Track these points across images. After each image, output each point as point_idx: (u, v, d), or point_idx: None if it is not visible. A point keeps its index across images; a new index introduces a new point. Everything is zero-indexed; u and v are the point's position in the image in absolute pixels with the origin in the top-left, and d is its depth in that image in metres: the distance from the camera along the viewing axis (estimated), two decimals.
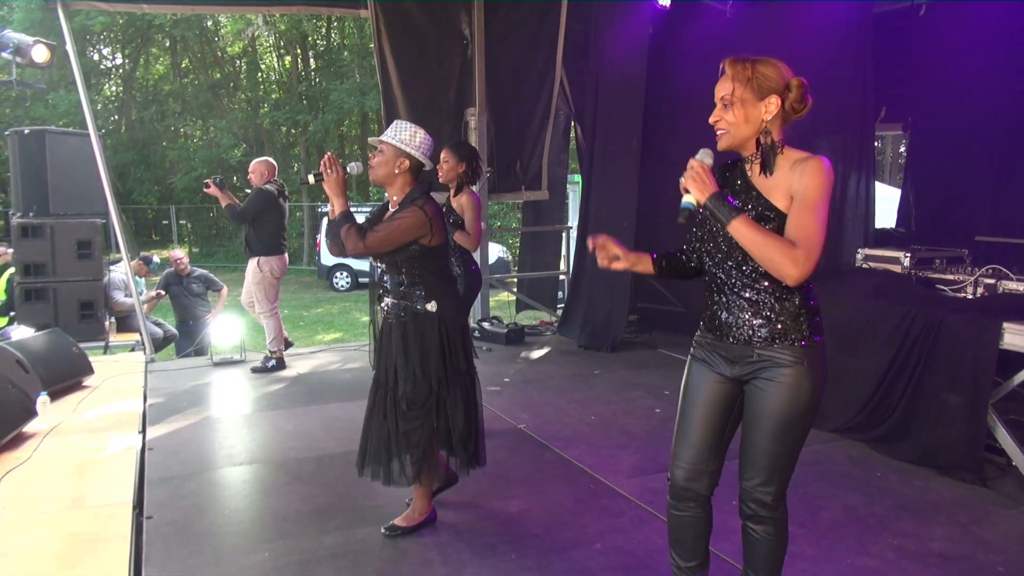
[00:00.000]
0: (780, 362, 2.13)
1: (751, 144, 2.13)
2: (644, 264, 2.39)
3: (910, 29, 6.50)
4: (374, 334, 3.37)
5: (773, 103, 2.06)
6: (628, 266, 2.36)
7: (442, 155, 4.29)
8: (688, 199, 2.11)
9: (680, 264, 2.40)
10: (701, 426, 2.27)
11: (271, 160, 6.28)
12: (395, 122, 3.15)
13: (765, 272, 2.09)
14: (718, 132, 2.14)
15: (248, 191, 6.31)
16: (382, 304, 3.17)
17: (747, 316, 2.15)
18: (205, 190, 6.13)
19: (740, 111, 2.07)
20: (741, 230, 2.02)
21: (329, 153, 3.08)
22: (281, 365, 6.17)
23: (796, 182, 2.03)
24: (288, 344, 6.50)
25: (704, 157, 2.13)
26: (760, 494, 2.22)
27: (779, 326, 2.13)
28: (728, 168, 2.26)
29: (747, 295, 2.15)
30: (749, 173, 2.15)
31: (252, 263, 6.08)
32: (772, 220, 2.07)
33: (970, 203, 6.36)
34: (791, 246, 1.99)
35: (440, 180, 4.29)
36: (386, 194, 3.19)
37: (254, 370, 6.07)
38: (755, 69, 2.06)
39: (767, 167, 2.10)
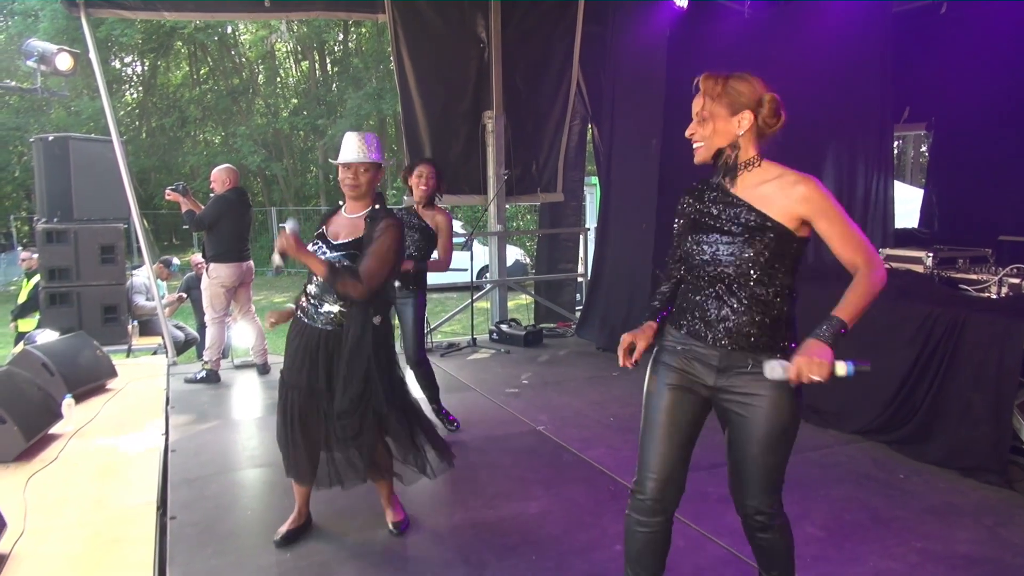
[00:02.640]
0: (760, 366, 2.10)
1: (731, 157, 2.16)
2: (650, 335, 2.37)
3: (932, 28, 6.45)
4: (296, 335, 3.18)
5: (746, 118, 2.09)
6: (649, 339, 2.34)
7: (423, 170, 4.37)
8: (840, 370, 1.97)
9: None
10: (670, 435, 2.23)
11: (232, 168, 6.19)
12: (354, 135, 3.07)
13: (757, 281, 2.11)
14: (694, 145, 2.18)
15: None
16: (321, 310, 3.04)
17: (745, 321, 2.13)
18: (167, 197, 6.07)
19: (712, 125, 2.12)
20: (852, 315, 2.02)
21: (277, 240, 2.98)
22: (213, 377, 5.93)
23: (803, 207, 2.05)
24: (266, 369, 6.19)
25: (780, 372, 2.02)
26: (763, 506, 2.25)
27: (770, 333, 2.14)
28: (699, 189, 2.27)
29: (741, 303, 2.13)
30: (730, 187, 2.17)
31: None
32: (768, 230, 2.08)
33: (994, 202, 6.29)
34: (865, 272, 2.03)
35: (419, 197, 4.37)
36: (342, 202, 3.18)
37: (187, 380, 5.91)
38: (727, 85, 2.10)
39: (729, 174, 2.15)
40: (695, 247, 2.21)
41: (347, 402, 2.96)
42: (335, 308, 3.02)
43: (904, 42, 6.12)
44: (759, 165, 2.13)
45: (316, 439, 3.09)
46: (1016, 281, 4.20)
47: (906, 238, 5.89)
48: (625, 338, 2.33)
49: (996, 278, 4.29)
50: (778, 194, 2.09)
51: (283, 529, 3.24)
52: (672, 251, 2.39)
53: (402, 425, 3.13)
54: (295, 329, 3.13)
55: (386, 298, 3.12)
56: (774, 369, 2.02)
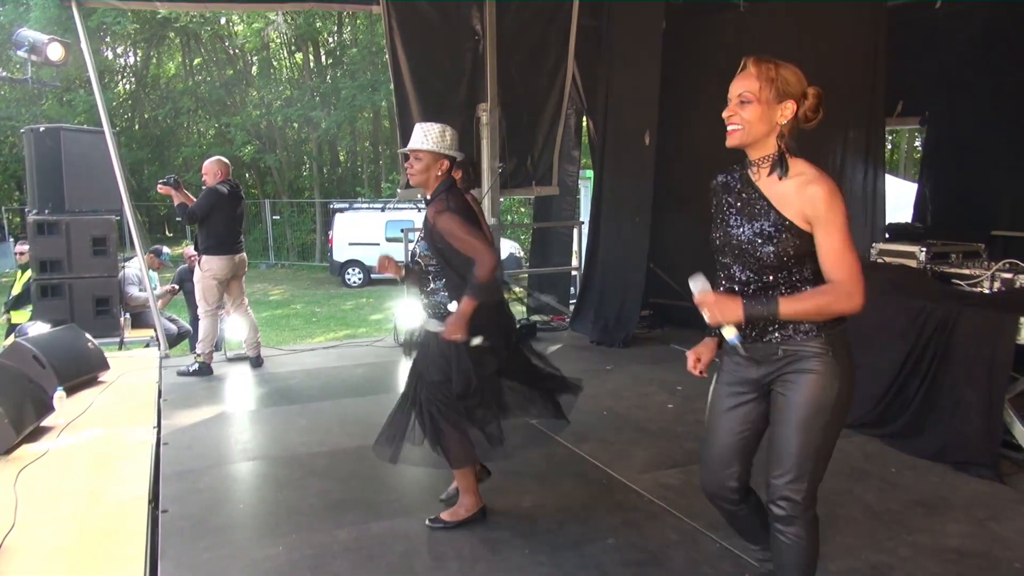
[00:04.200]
0: (804, 354, 2.12)
1: (761, 146, 2.11)
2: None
3: (927, 23, 6.44)
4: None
5: (789, 108, 2.05)
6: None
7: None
8: (728, 333, 2.09)
9: None
10: (722, 435, 2.29)
11: (224, 159, 6.13)
12: (421, 125, 3.17)
13: (786, 280, 2.10)
14: (730, 128, 2.10)
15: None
16: (435, 297, 3.18)
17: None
18: (159, 190, 6.03)
19: (758, 110, 2.05)
20: (791, 312, 2.04)
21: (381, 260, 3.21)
22: (205, 370, 5.90)
23: (809, 209, 2.03)
24: (259, 362, 6.24)
25: (700, 285, 2.09)
26: (790, 492, 2.15)
27: (795, 324, 2.11)
28: (727, 178, 2.25)
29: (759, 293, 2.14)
30: (755, 179, 2.14)
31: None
32: (784, 230, 2.06)
33: (987, 197, 6.31)
34: (836, 289, 2.01)
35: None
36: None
37: (180, 373, 5.89)
38: (779, 71, 2.05)
39: (780, 168, 2.08)
40: (718, 240, 2.23)
41: (460, 384, 3.05)
42: (426, 300, 3.18)
43: (899, 37, 6.12)
44: (791, 158, 2.10)
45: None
46: (1008, 276, 4.21)
47: (899, 232, 5.90)
48: (690, 356, 2.33)
49: (989, 273, 4.30)
50: (794, 194, 2.06)
51: (443, 516, 3.29)
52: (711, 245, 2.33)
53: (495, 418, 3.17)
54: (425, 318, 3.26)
55: (456, 283, 3.09)
56: (696, 279, 2.09)
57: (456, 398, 3.09)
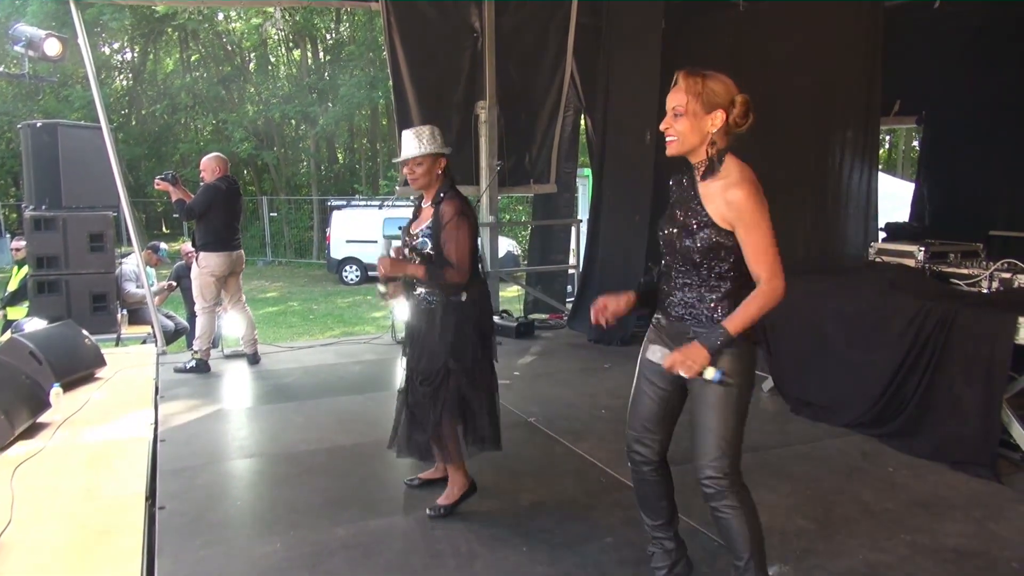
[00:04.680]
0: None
1: (698, 152, 2.30)
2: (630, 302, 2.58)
3: (925, 22, 6.44)
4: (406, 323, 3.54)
5: (719, 116, 2.23)
6: (628, 306, 2.56)
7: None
8: (708, 374, 2.25)
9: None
10: (645, 401, 2.52)
11: (222, 156, 6.12)
12: (409, 132, 3.29)
13: (696, 271, 2.34)
14: (667, 139, 2.30)
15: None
16: (415, 291, 3.32)
17: (683, 303, 2.39)
18: (156, 186, 6.00)
19: (689, 122, 2.24)
20: (739, 327, 2.23)
21: (379, 267, 3.28)
22: (202, 367, 5.88)
23: (729, 210, 2.23)
24: (256, 359, 6.22)
25: (660, 355, 2.38)
26: (712, 471, 2.34)
27: (706, 311, 2.35)
28: (678, 180, 2.47)
29: (687, 285, 2.38)
30: (697, 180, 2.34)
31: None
32: (709, 230, 2.27)
33: (985, 197, 6.33)
34: (763, 290, 2.21)
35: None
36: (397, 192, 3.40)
37: (177, 370, 5.86)
38: (705, 84, 2.22)
39: (711, 171, 2.28)
40: (662, 232, 2.45)
41: (424, 371, 3.23)
42: (421, 289, 3.30)
43: (897, 36, 6.12)
44: (720, 163, 2.27)
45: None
46: (1007, 276, 4.22)
47: (897, 231, 5.91)
48: (599, 300, 2.56)
49: (987, 272, 4.31)
50: (718, 194, 2.25)
51: (421, 476, 3.57)
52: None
53: (481, 402, 3.31)
54: (409, 315, 3.42)
55: (475, 274, 3.29)
56: (654, 352, 2.40)
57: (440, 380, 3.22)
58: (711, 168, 2.28)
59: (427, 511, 3.31)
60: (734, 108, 2.23)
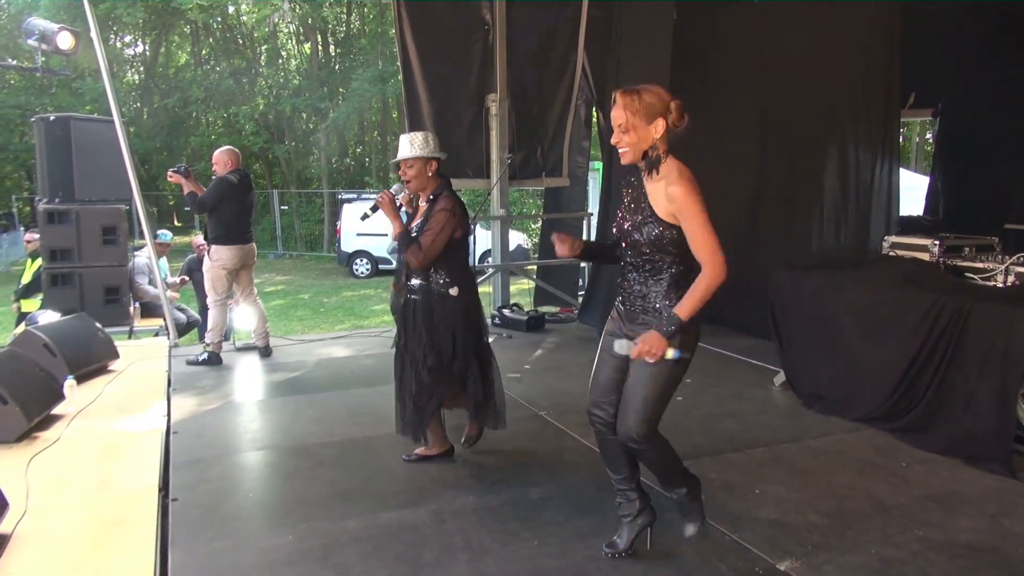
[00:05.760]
0: (650, 323, 2.60)
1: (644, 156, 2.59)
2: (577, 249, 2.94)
3: (940, 15, 6.37)
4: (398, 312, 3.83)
5: (660, 124, 2.52)
6: (574, 253, 2.93)
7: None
8: (670, 355, 2.52)
9: (607, 254, 2.95)
10: (605, 372, 2.81)
11: (234, 149, 6.15)
12: (404, 137, 3.61)
13: (646, 262, 2.63)
14: (621, 151, 2.59)
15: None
16: (409, 282, 3.62)
17: (637, 291, 2.69)
18: (169, 178, 6.00)
19: (635, 135, 2.53)
20: (689, 312, 2.49)
21: (379, 195, 3.58)
22: (215, 360, 5.88)
23: (669, 204, 2.50)
24: (267, 352, 6.22)
25: (626, 348, 2.61)
26: (633, 434, 2.64)
27: (654, 299, 2.64)
28: (628, 180, 2.75)
29: (637, 276, 2.68)
30: (644, 178, 2.63)
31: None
32: (653, 224, 2.56)
33: (1000, 190, 6.26)
34: (705, 276, 2.48)
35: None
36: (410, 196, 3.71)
37: (189, 362, 5.86)
38: (641, 99, 2.51)
39: (652, 169, 2.56)
40: (617, 228, 2.73)
41: (431, 360, 3.54)
42: (416, 280, 3.60)
43: (912, 28, 6.06)
44: (665, 160, 2.55)
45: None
46: (1022, 270, 4.18)
47: (911, 225, 5.86)
48: (559, 235, 2.94)
49: (1002, 266, 4.27)
50: (661, 190, 2.52)
51: (418, 452, 3.82)
52: None
53: (479, 385, 3.68)
54: (403, 304, 3.70)
55: (465, 272, 3.67)
56: (622, 347, 2.62)
57: (435, 361, 3.56)
58: (653, 167, 2.55)
59: (403, 456, 3.83)
60: (671, 113, 2.51)
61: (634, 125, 2.52)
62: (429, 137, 3.58)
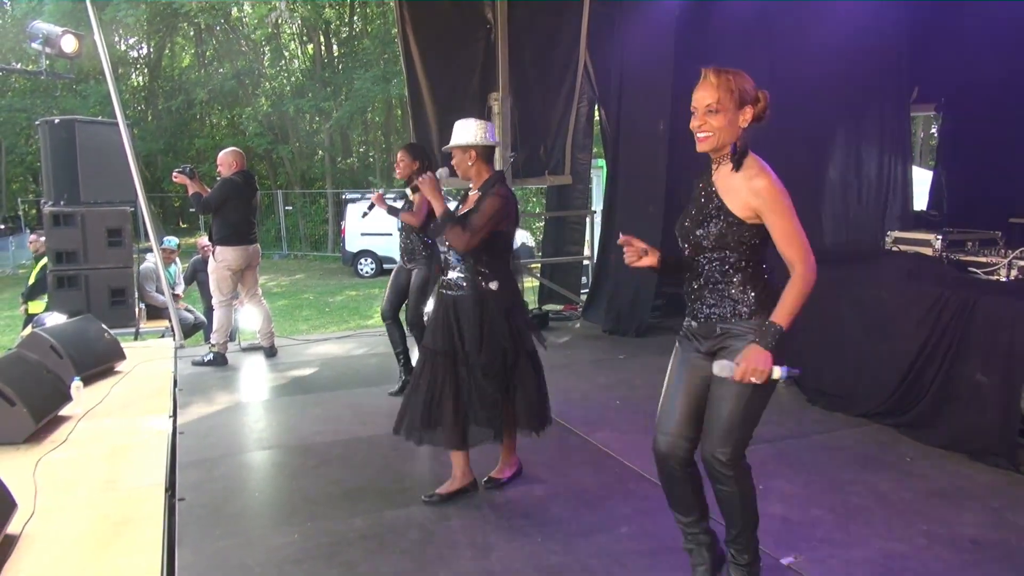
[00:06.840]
0: (736, 332, 2.37)
1: (727, 147, 2.35)
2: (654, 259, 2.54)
3: (944, 8, 6.35)
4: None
5: (748, 112, 2.31)
6: (653, 263, 2.51)
7: (399, 155, 4.97)
8: (776, 374, 2.27)
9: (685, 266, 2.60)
10: (679, 397, 2.52)
11: (239, 151, 6.16)
12: (456, 124, 3.45)
13: (709, 262, 2.39)
14: (700, 135, 2.34)
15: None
16: (448, 275, 3.40)
17: (709, 299, 2.42)
18: (174, 179, 6.02)
19: (725, 117, 2.30)
20: (787, 319, 2.27)
21: (424, 177, 3.45)
22: (220, 360, 5.91)
23: (755, 201, 2.28)
24: (272, 352, 6.26)
25: (728, 369, 2.28)
26: (719, 455, 2.38)
27: (730, 304, 2.38)
28: (701, 178, 2.48)
29: (707, 283, 2.42)
30: (713, 175, 2.41)
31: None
32: (722, 220, 2.33)
33: (1004, 184, 6.22)
34: (797, 276, 2.27)
35: (397, 176, 4.97)
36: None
37: (195, 363, 5.89)
38: (735, 80, 2.30)
39: (739, 165, 2.33)
40: (680, 228, 2.50)
41: (485, 361, 3.28)
42: (453, 274, 3.37)
43: (914, 22, 6.03)
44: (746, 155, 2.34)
45: (459, 401, 3.32)
46: None
47: (915, 220, 5.84)
48: (633, 240, 2.50)
49: (1006, 261, 4.26)
50: (742, 186, 2.30)
51: (442, 490, 3.43)
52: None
53: (529, 385, 3.45)
54: (437, 301, 3.46)
55: (506, 268, 3.41)
56: (723, 368, 2.29)
57: (483, 369, 3.28)
58: (741, 158, 2.33)
59: (423, 497, 3.41)
60: (759, 103, 2.31)
61: (725, 107, 2.28)
62: (479, 125, 3.40)
